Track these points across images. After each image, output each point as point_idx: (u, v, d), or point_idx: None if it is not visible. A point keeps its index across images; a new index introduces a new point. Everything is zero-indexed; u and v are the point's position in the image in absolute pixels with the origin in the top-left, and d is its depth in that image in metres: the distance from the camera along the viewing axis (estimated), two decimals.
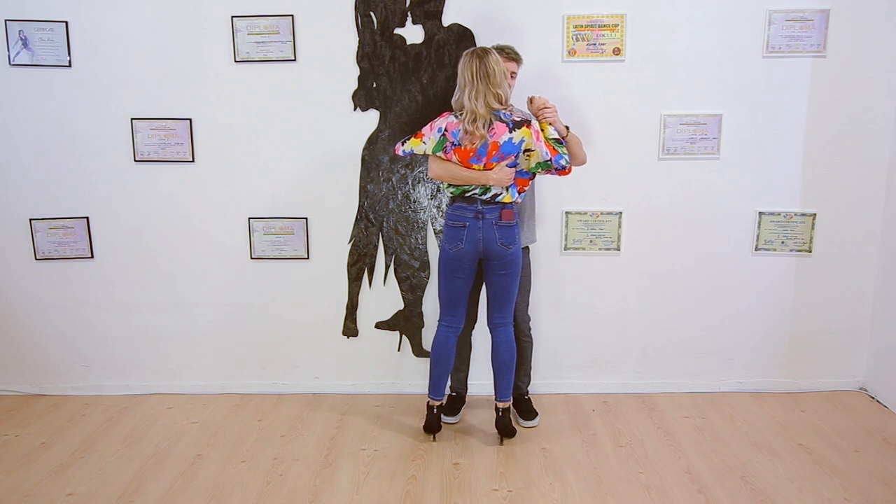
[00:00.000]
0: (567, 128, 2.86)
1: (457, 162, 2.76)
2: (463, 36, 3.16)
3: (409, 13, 3.17)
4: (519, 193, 2.81)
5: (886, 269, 3.31)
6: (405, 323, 3.44)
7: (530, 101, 2.83)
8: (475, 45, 3.01)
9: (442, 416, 3.07)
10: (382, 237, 3.37)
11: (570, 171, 2.79)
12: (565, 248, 3.36)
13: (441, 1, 3.14)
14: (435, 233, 3.35)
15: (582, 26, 3.16)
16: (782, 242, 3.34)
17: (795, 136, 3.25)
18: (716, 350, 3.45)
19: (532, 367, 3.26)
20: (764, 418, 3.18)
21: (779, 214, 3.31)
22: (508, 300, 2.90)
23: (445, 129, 2.75)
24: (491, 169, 2.72)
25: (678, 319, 3.42)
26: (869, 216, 3.32)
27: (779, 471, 2.73)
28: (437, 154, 2.78)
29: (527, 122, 2.72)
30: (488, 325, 2.96)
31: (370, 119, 3.27)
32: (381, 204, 3.33)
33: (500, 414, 2.94)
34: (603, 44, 3.17)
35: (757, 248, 3.35)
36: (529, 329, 3.16)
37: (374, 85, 3.23)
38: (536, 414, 3.16)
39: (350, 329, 3.46)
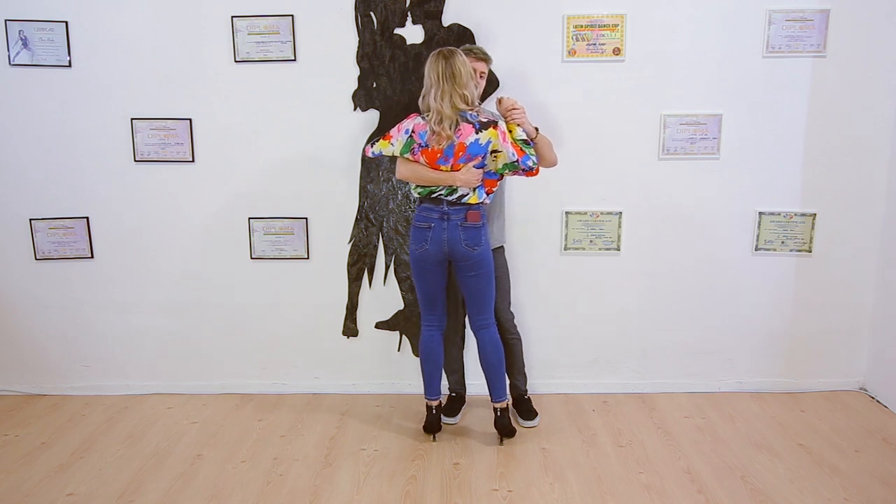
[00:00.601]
0: (536, 129, 2.85)
1: (424, 163, 2.75)
2: (463, 36, 3.16)
3: (409, 13, 3.17)
4: (487, 195, 2.80)
5: (886, 269, 3.31)
6: (405, 323, 3.44)
7: (499, 101, 2.81)
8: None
9: (442, 416, 3.07)
10: (382, 237, 3.37)
11: (537, 172, 2.78)
12: (565, 248, 3.36)
13: (441, 1, 3.14)
14: None
15: (582, 26, 3.16)
16: (782, 242, 3.34)
17: (795, 136, 3.25)
18: (716, 350, 3.45)
19: (527, 366, 3.25)
20: (764, 418, 3.18)
21: (779, 214, 3.31)
22: (485, 301, 2.88)
23: (412, 131, 2.74)
24: (458, 170, 2.72)
25: (678, 319, 3.42)
26: (869, 216, 3.32)
27: (779, 471, 2.73)
28: (405, 155, 2.78)
29: (493, 124, 2.70)
30: (471, 328, 2.95)
31: (370, 119, 3.27)
32: (381, 204, 3.33)
33: (499, 414, 2.94)
34: (603, 44, 3.17)
35: (757, 249, 3.35)
36: (515, 326, 3.14)
37: (374, 85, 3.23)
38: (536, 414, 3.16)
39: (350, 329, 3.46)
